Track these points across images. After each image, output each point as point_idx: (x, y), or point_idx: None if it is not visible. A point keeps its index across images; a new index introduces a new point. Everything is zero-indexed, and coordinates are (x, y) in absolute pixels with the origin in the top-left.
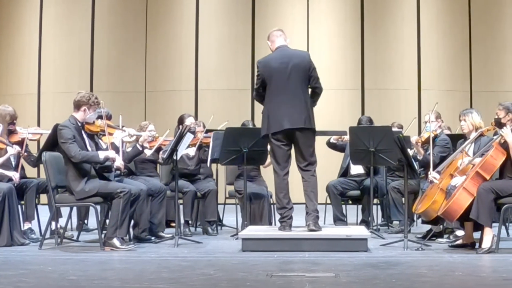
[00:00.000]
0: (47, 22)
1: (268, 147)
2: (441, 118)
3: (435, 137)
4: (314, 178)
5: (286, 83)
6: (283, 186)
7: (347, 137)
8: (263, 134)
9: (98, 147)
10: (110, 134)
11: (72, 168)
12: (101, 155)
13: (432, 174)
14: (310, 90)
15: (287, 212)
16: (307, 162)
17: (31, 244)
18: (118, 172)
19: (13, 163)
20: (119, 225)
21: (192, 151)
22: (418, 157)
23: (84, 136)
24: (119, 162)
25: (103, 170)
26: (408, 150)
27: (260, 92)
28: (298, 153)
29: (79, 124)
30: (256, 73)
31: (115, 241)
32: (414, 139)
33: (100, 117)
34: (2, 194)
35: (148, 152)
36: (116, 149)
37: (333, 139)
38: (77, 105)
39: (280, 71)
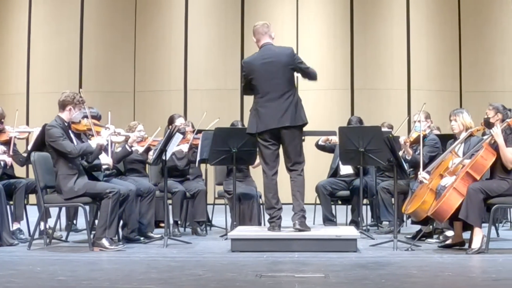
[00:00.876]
0: (35, 22)
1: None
2: (430, 118)
3: (424, 137)
4: (301, 178)
5: (271, 82)
6: (271, 186)
7: (335, 139)
8: (248, 132)
9: None
10: (97, 132)
11: (62, 167)
12: (93, 143)
13: (422, 174)
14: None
15: (276, 213)
16: (294, 162)
17: (20, 244)
18: (106, 167)
19: (1, 163)
20: (108, 226)
21: (185, 147)
22: (407, 157)
23: (72, 135)
24: (108, 159)
25: (93, 169)
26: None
27: (244, 88)
28: (285, 152)
29: (66, 124)
30: (242, 73)
31: (104, 242)
32: (402, 139)
33: (85, 116)
34: None
35: (140, 149)
36: (104, 148)
37: (321, 141)
38: (62, 105)
39: (264, 71)
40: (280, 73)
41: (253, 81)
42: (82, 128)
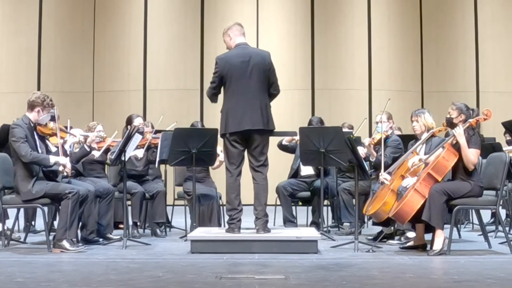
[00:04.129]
0: None
1: (219, 148)
2: (392, 119)
3: (386, 138)
4: (265, 182)
5: (247, 82)
6: (235, 187)
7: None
8: (221, 133)
9: (48, 149)
10: (61, 138)
11: (20, 168)
12: (52, 159)
13: (383, 175)
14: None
15: (236, 214)
16: (260, 163)
17: None
18: (66, 175)
19: None
20: (69, 227)
21: (140, 153)
22: (371, 159)
23: (36, 137)
24: (68, 168)
25: (49, 174)
26: (361, 149)
27: (214, 87)
28: (251, 154)
29: (32, 125)
30: (214, 69)
31: (65, 243)
32: (367, 141)
33: (53, 118)
34: None
35: (96, 154)
36: (65, 153)
37: (285, 141)
38: (31, 106)
39: (241, 70)
40: (257, 75)
41: (226, 79)
42: (47, 132)
